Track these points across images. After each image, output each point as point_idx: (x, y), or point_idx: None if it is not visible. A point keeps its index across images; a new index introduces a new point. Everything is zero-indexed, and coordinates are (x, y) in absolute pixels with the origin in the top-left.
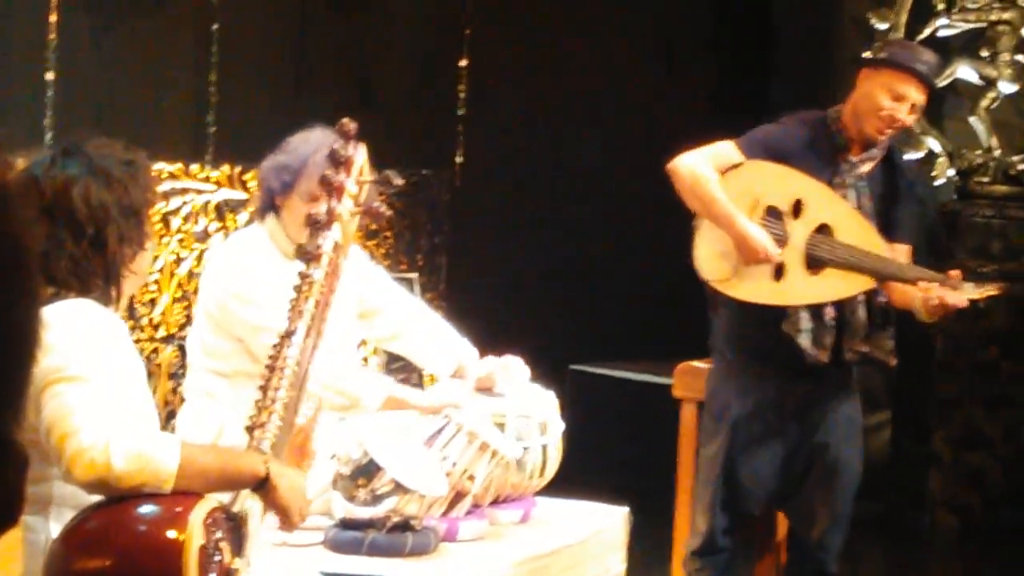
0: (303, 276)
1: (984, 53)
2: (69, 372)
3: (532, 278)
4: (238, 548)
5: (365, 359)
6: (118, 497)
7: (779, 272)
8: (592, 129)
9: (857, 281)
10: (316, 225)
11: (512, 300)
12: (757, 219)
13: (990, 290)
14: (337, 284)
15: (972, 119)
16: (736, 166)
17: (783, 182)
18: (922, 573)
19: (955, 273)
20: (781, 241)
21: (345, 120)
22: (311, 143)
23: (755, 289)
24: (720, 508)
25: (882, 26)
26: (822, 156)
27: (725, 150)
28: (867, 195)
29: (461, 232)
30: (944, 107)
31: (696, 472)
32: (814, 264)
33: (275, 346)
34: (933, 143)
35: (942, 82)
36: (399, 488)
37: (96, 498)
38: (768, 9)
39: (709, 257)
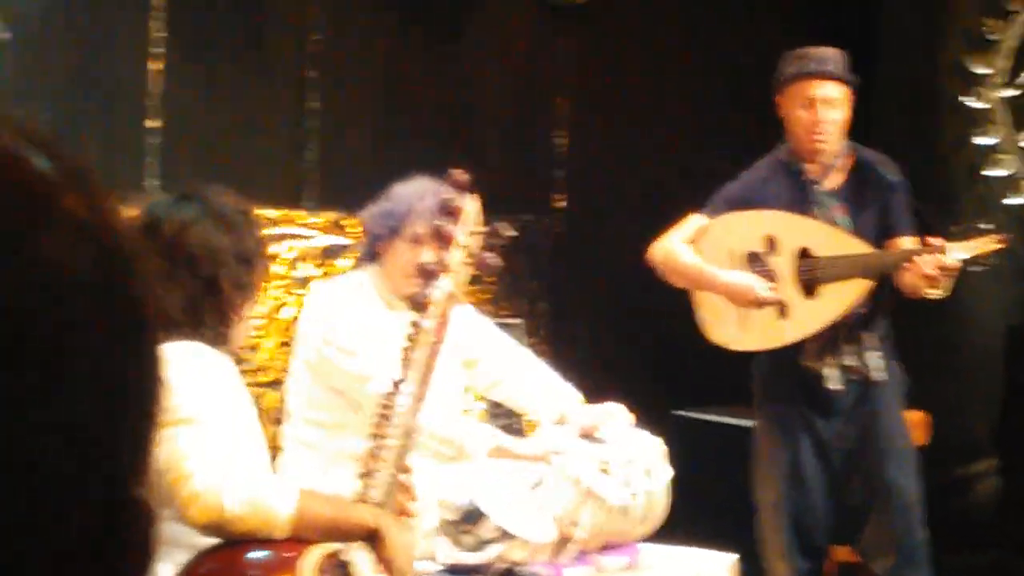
0: (414, 325)
1: None
2: (182, 414)
3: (634, 323)
4: None
5: (467, 409)
6: (231, 541)
7: (782, 310)
8: (694, 171)
9: (853, 287)
10: (428, 274)
11: (615, 345)
12: (740, 268)
13: (990, 244)
14: (446, 334)
15: None
16: (702, 230)
17: (749, 225)
18: None
19: (935, 239)
20: (771, 280)
21: (457, 171)
22: (415, 189)
23: (766, 335)
24: (795, 552)
25: (982, 70)
26: (788, 188)
27: (691, 221)
28: (838, 207)
29: (563, 277)
30: None
31: (762, 519)
32: (809, 289)
33: (387, 395)
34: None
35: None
36: (505, 534)
37: (210, 540)
38: (868, 57)
39: (713, 323)
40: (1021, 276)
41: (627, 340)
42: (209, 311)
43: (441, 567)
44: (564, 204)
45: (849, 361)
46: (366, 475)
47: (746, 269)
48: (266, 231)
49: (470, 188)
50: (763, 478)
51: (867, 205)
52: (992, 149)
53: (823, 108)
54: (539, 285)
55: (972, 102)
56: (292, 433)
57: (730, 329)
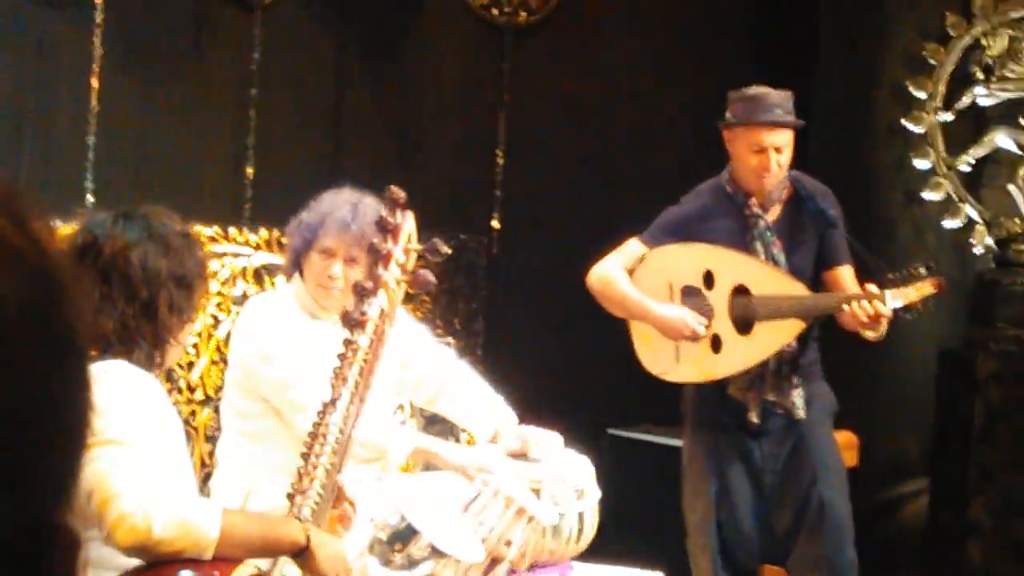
0: (347, 343)
1: (1023, 122)
2: (109, 435)
3: (569, 342)
4: None
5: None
6: (157, 562)
7: (716, 344)
8: (632, 194)
9: (788, 327)
10: (362, 292)
11: (550, 364)
12: (677, 302)
13: (926, 288)
14: (382, 351)
15: (1011, 187)
16: (641, 259)
17: (688, 259)
18: None
19: (870, 286)
20: (707, 314)
21: (394, 188)
22: (331, 201)
23: (700, 369)
24: (723, 571)
25: (920, 94)
26: (728, 217)
27: (631, 247)
28: (774, 243)
29: (498, 297)
30: (983, 175)
31: (691, 539)
32: (743, 326)
33: (319, 413)
34: (971, 211)
35: (980, 150)
36: (436, 553)
37: (134, 561)
38: (805, 76)
39: (648, 353)
40: (953, 299)
41: (562, 359)
42: (143, 333)
43: None
44: (499, 224)
45: (773, 397)
46: (297, 493)
47: (682, 302)
48: (203, 249)
49: (407, 205)
50: (692, 498)
51: (805, 238)
52: (930, 173)
53: (773, 154)
54: (475, 304)
55: (910, 125)
56: (226, 446)
57: (665, 360)
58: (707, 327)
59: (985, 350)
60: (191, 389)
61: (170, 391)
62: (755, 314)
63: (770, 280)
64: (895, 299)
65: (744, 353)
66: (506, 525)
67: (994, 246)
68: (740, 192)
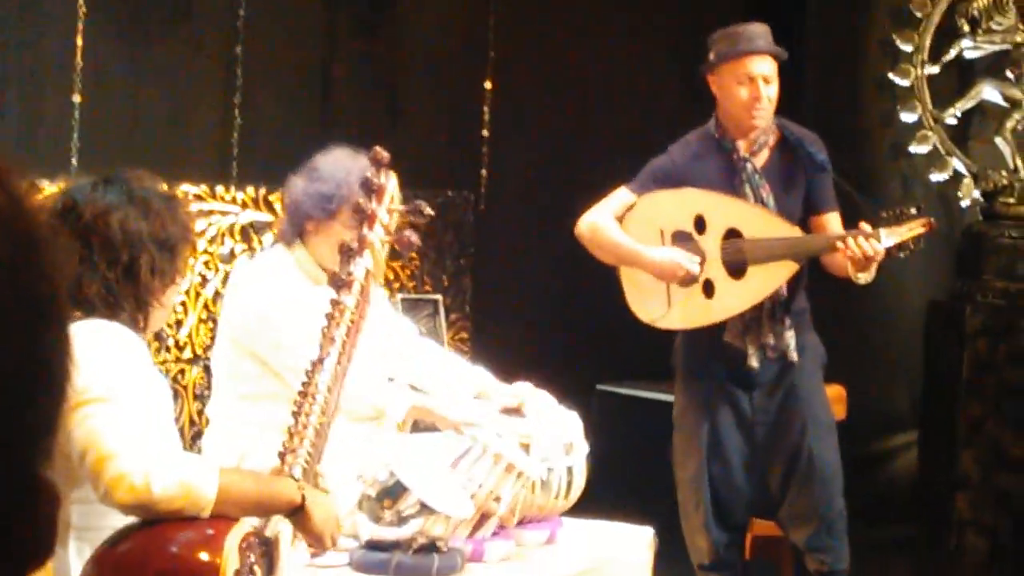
0: (335, 303)
1: (1009, 74)
2: (97, 393)
3: (558, 298)
4: (269, 571)
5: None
6: (150, 520)
7: (709, 289)
8: (618, 149)
9: (780, 269)
10: (348, 253)
11: (538, 320)
12: (668, 247)
13: (916, 228)
14: (367, 311)
15: (998, 140)
16: (630, 207)
17: (679, 204)
18: None
19: (866, 224)
20: (699, 260)
21: (377, 149)
22: (344, 167)
23: (692, 314)
24: (715, 525)
25: (907, 47)
26: (716, 163)
27: (619, 196)
28: (764, 186)
29: (486, 253)
30: (970, 128)
31: (682, 494)
32: (735, 269)
33: (307, 372)
34: (958, 164)
35: (967, 103)
36: (425, 509)
37: (121, 522)
38: (794, 32)
39: (640, 301)
40: (941, 251)
41: (551, 315)
42: (126, 297)
43: (360, 543)
44: (487, 180)
45: (770, 340)
46: (288, 452)
47: (672, 248)
48: (190, 207)
49: (390, 166)
50: (684, 452)
51: (794, 183)
52: (917, 126)
53: (762, 84)
54: (463, 260)
55: (897, 79)
56: (218, 406)
57: (656, 307)
58: (699, 270)
59: (972, 303)
60: (179, 348)
61: (158, 350)
62: (747, 257)
63: (762, 222)
64: (888, 237)
65: (737, 297)
66: (495, 481)
67: (981, 199)
68: (728, 138)
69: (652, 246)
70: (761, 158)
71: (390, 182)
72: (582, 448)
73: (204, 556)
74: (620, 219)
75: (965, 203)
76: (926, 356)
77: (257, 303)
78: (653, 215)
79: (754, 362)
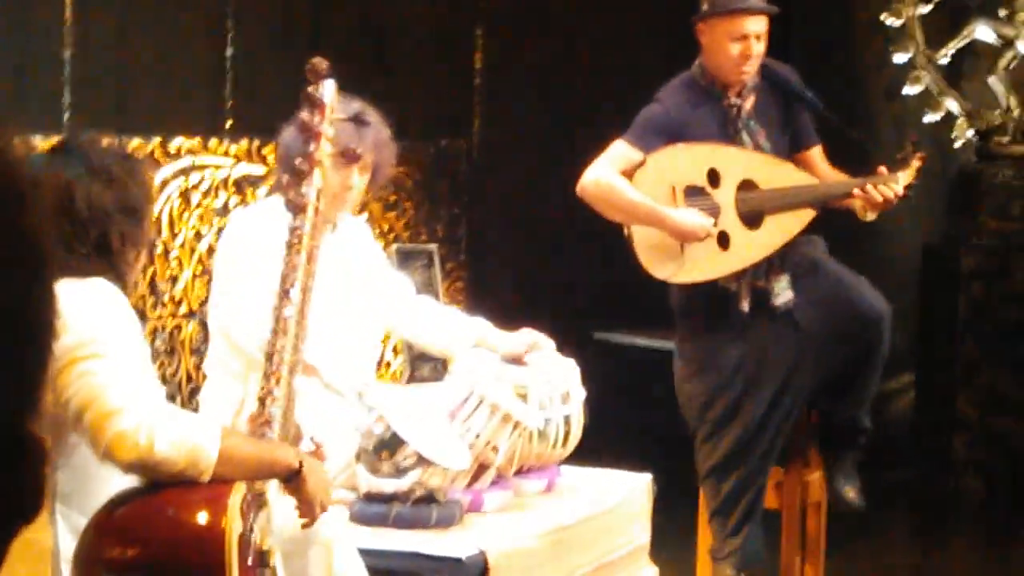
0: (292, 229)
1: (1002, 13)
2: (94, 349)
3: (553, 247)
4: (268, 530)
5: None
6: (148, 485)
7: (724, 241)
8: (611, 96)
9: (797, 217)
10: (299, 174)
11: (533, 269)
12: (681, 204)
13: (916, 163)
14: (321, 236)
15: (991, 79)
16: (641, 164)
17: (691, 159)
18: (948, 537)
19: (882, 169)
20: (713, 213)
21: (315, 59)
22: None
23: (709, 267)
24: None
25: None
26: (709, 111)
27: (621, 151)
28: (760, 131)
29: (480, 202)
30: (963, 68)
31: (695, 438)
32: (751, 220)
33: (274, 308)
34: (952, 104)
35: (960, 42)
36: (422, 461)
37: (107, 488)
38: None
39: (653, 257)
40: (935, 193)
41: (547, 264)
42: (101, 267)
43: (359, 495)
44: (480, 129)
45: (762, 284)
46: (267, 395)
47: (685, 202)
48: (183, 161)
49: (329, 74)
50: (693, 396)
51: (783, 123)
52: (909, 66)
53: (754, 42)
54: (457, 209)
55: (890, 20)
56: (213, 360)
57: (671, 263)
58: (714, 225)
59: (967, 245)
60: (175, 303)
61: (154, 305)
62: (765, 207)
63: (777, 172)
64: (904, 179)
65: (753, 247)
66: (492, 431)
67: (975, 139)
68: (715, 85)
69: (665, 204)
70: (749, 101)
71: (327, 92)
72: (579, 396)
73: (209, 519)
74: (628, 176)
75: (959, 144)
76: (922, 298)
77: (241, 254)
78: (665, 171)
79: (745, 307)
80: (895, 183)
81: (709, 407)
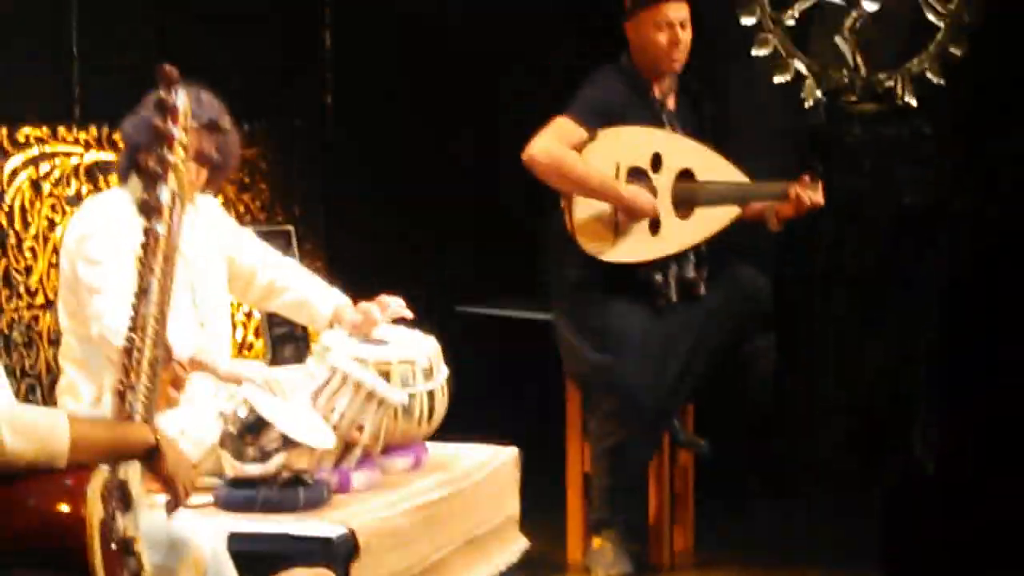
0: (147, 231)
1: None
2: None
3: (412, 222)
4: (130, 516)
5: (244, 323)
6: (4, 478)
7: (655, 226)
8: (473, 69)
9: (725, 212)
10: (153, 177)
11: (393, 246)
12: (623, 183)
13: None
14: (178, 239)
15: (837, 39)
16: (588, 141)
17: (637, 142)
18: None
19: (806, 177)
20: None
21: (166, 67)
22: None
23: (638, 248)
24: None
25: None
26: (640, 102)
27: (567, 127)
28: (679, 129)
29: (337, 180)
30: (809, 28)
31: (591, 402)
32: (683, 209)
33: (133, 306)
34: (799, 65)
35: (805, 3)
36: (287, 443)
37: None
38: None
39: (588, 232)
40: (787, 153)
41: (407, 239)
42: None
43: (225, 480)
44: (332, 106)
45: (692, 275)
46: (126, 389)
47: (627, 183)
48: (32, 150)
49: (180, 82)
50: (593, 368)
51: (697, 124)
52: (756, 28)
53: (679, 30)
54: (312, 188)
55: None
56: (66, 351)
57: (603, 241)
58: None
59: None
60: (31, 294)
61: (9, 297)
62: (698, 199)
63: (714, 165)
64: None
65: (680, 235)
66: (356, 409)
67: (824, 99)
68: (642, 80)
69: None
70: (671, 101)
71: (181, 99)
72: (442, 372)
73: (68, 508)
74: (577, 151)
75: (808, 103)
76: (778, 254)
77: (83, 243)
78: (612, 149)
79: (673, 296)
80: (815, 192)
81: (615, 379)
